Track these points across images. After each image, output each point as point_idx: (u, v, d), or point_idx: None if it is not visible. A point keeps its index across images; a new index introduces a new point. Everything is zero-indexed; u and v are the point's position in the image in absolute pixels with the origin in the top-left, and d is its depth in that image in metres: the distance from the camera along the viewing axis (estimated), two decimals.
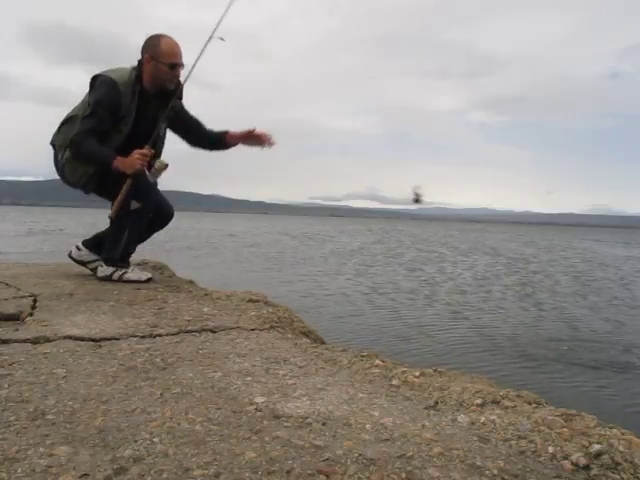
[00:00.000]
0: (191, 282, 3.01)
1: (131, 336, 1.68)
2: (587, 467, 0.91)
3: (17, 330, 1.70)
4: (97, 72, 2.70)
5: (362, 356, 1.58)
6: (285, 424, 1.05)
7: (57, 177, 2.83)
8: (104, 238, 2.89)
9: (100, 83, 2.65)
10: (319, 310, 7.15)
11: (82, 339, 1.61)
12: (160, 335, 1.72)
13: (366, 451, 0.94)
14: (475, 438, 1.02)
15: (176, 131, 3.04)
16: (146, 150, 2.65)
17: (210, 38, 2.76)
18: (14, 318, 1.88)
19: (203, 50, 2.78)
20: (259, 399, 1.18)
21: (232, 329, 1.85)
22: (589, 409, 1.15)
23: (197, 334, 1.76)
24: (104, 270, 2.77)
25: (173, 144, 3.16)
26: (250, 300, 2.37)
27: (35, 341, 1.57)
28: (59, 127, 2.78)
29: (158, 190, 2.90)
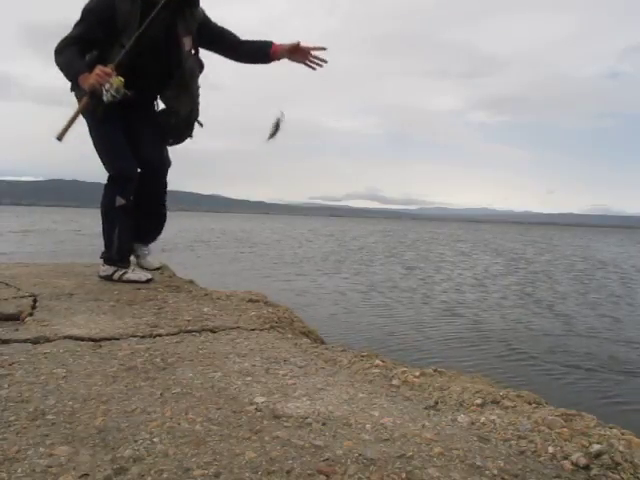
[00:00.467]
0: (191, 282, 3.01)
1: (131, 336, 1.68)
2: (587, 467, 0.91)
3: (17, 330, 1.70)
4: None
5: (362, 356, 1.58)
6: (285, 424, 1.05)
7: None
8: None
9: None
10: (319, 310, 7.15)
11: (82, 339, 1.61)
12: (160, 335, 1.72)
13: (366, 451, 0.94)
14: (475, 438, 1.02)
15: (204, 46, 2.67)
16: (108, 68, 2.34)
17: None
18: (14, 318, 1.88)
19: None
20: (259, 399, 1.18)
21: (232, 329, 1.85)
22: (589, 409, 1.15)
23: (197, 334, 1.76)
24: (105, 270, 2.76)
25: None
26: (250, 300, 2.37)
27: (35, 341, 1.57)
28: None
29: (153, 143, 2.71)
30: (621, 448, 0.95)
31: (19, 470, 0.83)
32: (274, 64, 2.70)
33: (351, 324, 6.39)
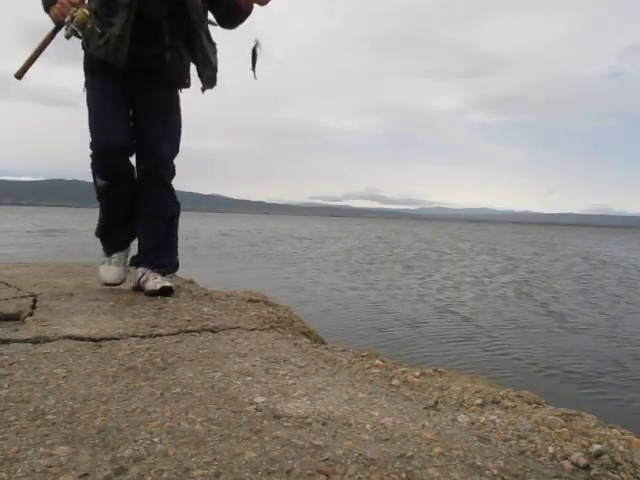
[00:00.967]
0: (191, 282, 3.01)
1: (131, 336, 1.68)
2: (587, 467, 0.91)
3: (17, 330, 1.70)
4: None
5: (362, 356, 1.58)
6: (285, 424, 1.05)
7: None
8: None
9: None
10: (319, 310, 7.15)
11: (82, 339, 1.61)
12: (160, 335, 1.71)
13: (366, 451, 0.94)
14: (475, 438, 1.02)
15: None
16: None
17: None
18: (14, 318, 1.88)
19: None
20: (259, 399, 1.18)
21: (232, 329, 1.85)
22: (589, 409, 1.15)
23: (197, 334, 1.76)
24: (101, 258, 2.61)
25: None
26: (250, 300, 2.37)
27: (35, 341, 1.57)
28: None
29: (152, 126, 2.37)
30: (621, 448, 0.94)
31: (19, 470, 0.83)
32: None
33: (351, 324, 6.39)
